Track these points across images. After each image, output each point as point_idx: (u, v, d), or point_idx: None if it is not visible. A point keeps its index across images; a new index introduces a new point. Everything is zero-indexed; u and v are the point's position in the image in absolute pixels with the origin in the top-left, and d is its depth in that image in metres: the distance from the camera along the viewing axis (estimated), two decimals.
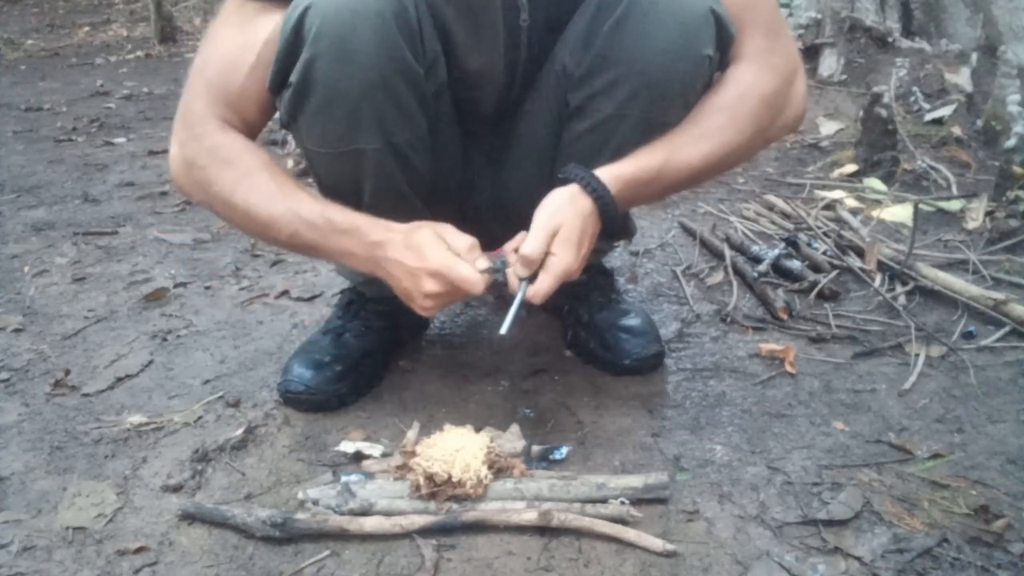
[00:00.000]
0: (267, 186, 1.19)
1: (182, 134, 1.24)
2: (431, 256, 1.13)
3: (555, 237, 1.15)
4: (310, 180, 1.36)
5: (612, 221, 1.20)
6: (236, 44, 1.21)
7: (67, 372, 1.52)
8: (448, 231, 1.17)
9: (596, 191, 1.17)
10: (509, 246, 1.19)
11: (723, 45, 1.21)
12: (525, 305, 1.17)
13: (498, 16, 1.24)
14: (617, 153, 1.22)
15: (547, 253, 1.15)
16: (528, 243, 1.14)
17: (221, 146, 1.21)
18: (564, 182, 1.20)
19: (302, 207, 1.18)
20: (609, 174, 1.19)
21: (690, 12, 1.16)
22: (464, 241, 1.16)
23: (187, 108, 1.24)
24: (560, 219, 1.16)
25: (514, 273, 1.17)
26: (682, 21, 1.16)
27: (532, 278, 1.16)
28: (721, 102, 1.22)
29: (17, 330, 1.70)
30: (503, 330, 1.15)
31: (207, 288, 1.87)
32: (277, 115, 1.25)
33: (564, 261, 1.15)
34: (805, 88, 1.30)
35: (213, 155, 1.21)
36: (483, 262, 1.15)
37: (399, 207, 1.27)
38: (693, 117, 1.22)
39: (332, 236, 1.18)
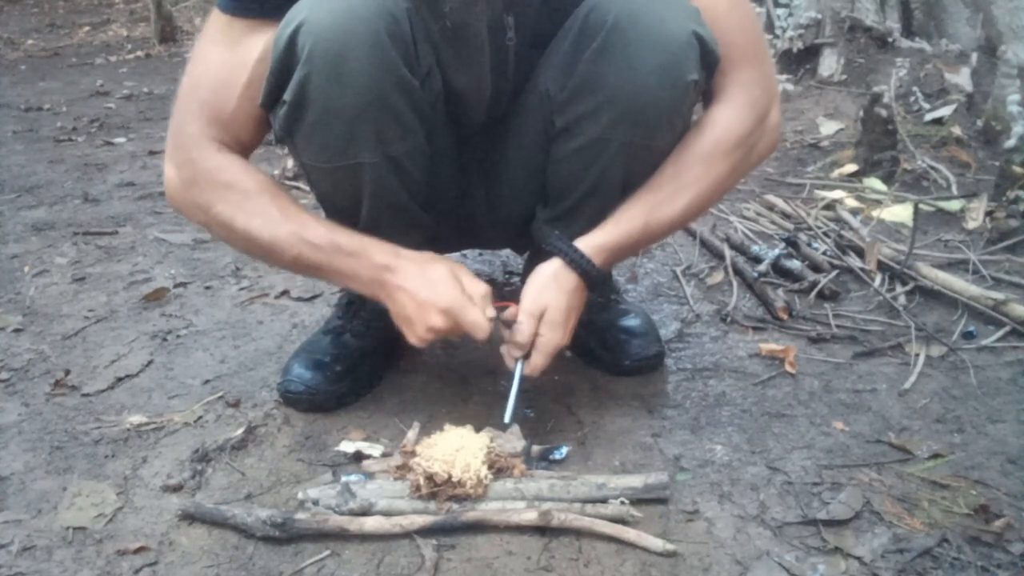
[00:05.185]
0: (269, 209, 1.20)
1: (177, 156, 1.23)
2: (445, 293, 1.16)
3: (542, 319, 1.20)
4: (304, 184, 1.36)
5: (597, 289, 1.21)
6: (228, 64, 1.20)
7: (67, 372, 1.52)
8: (464, 273, 1.20)
9: (580, 266, 1.21)
10: (503, 317, 1.24)
11: (708, 66, 1.19)
12: (524, 381, 1.23)
13: (483, 36, 1.22)
14: (603, 174, 1.23)
15: (536, 333, 1.21)
16: (517, 331, 1.20)
17: (220, 168, 1.21)
18: (547, 254, 1.22)
19: (306, 229, 1.19)
20: (592, 245, 1.22)
21: (672, 38, 1.14)
22: (479, 288, 1.19)
23: (180, 130, 1.23)
24: (546, 300, 1.21)
25: (508, 353, 1.24)
26: (664, 48, 1.14)
27: (526, 355, 1.23)
28: (700, 150, 1.23)
29: (17, 330, 1.70)
30: (507, 418, 1.20)
31: (207, 288, 1.87)
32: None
33: (553, 341, 1.21)
34: (779, 117, 1.30)
35: (212, 178, 1.21)
36: (492, 311, 1.19)
37: (399, 218, 1.27)
38: (673, 167, 1.23)
39: (336, 257, 1.19)
